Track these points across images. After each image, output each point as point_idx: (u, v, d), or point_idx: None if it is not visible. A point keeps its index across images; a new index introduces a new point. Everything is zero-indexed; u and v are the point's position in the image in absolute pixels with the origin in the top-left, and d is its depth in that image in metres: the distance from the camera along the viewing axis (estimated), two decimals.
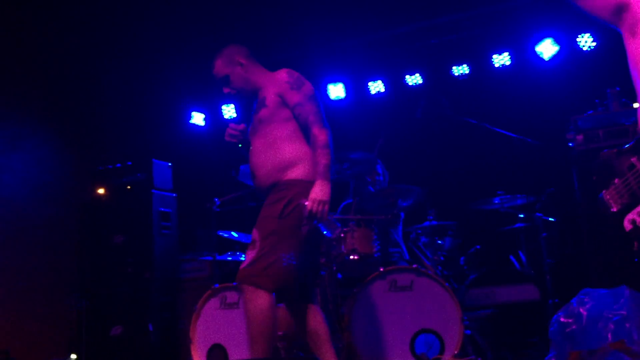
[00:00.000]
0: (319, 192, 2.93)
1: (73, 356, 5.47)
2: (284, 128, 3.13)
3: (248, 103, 3.48)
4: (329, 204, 2.97)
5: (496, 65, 5.87)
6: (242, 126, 3.27)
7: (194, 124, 6.95)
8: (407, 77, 6.16)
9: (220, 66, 3.35)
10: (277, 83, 3.22)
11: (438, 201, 4.63)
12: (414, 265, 3.82)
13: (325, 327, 3.10)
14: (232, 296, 4.10)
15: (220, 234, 4.59)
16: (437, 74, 6.10)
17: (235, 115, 6.85)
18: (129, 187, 5.43)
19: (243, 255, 4.64)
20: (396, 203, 4.17)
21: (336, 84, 6.39)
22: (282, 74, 3.24)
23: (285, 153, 3.08)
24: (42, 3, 5.64)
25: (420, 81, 6.13)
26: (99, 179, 5.54)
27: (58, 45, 6.10)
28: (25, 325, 5.58)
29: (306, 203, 2.92)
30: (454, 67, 5.99)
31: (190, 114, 6.93)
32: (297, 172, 3.05)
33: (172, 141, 6.73)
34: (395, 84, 6.25)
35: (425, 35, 6.14)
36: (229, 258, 4.64)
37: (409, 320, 3.68)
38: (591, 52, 5.56)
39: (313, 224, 2.96)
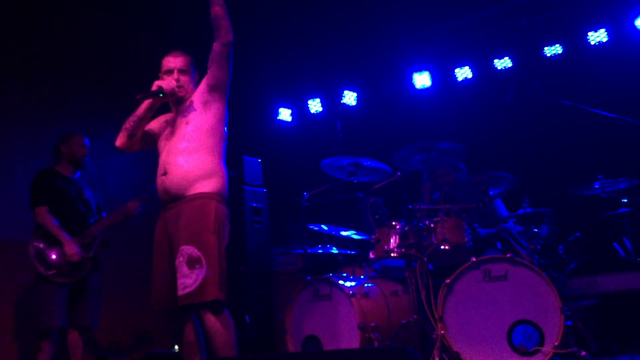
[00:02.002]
0: None
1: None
2: (212, 140, 3.24)
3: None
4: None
5: (592, 42, 5.57)
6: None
7: (281, 120, 7.08)
8: (496, 61, 5.98)
9: (185, 61, 3.40)
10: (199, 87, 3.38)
11: (532, 188, 4.47)
12: (508, 255, 3.70)
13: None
14: (323, 288, 4.14)
15: (310, 227, 4.65)
16: (527, 56, 5.88)
17: (321, 109, 6.91)
18: None
19: (334, 248, 4.70)
20: (487, 191, 4.05)
21: (422, 72, 6.30)
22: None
23: (207, 164, 3.18)
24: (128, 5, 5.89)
25: (510, 64, 5.93)
26: None
27: (149, 48, 6.38)
28: (132, 318, 5.90)
29: (226, 221, 3.16)
30: (545, 48, 5.75)
31: (278, 110, 7.06)
32: (215, 186, 3.16)
33: (261, 137, 6.90)
34: (483, 69, 6.09)
35: (513, 16, 5.93)
36: (320, 251, 4.69)
37: (505, 311, 3.57)
38: None
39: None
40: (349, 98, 6.71)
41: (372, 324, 3.95)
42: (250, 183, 5.59)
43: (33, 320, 4.11)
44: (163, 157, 3.26)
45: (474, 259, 3.72)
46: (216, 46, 3.23)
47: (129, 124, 3.35)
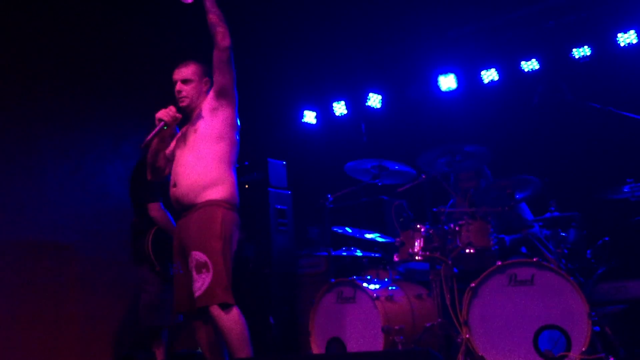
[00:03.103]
0: None
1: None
2: (218, 148, 3.29)
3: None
4: None
5: (621, 44, 5.48)
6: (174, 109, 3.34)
7: (306, 123, 7.10)
8: (523, 63, 5.92)
9: (192, 70, 3.44)
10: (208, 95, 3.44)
11: (559, 192, 4.41)
12: (535, 259, 3.66)
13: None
14: (347, 291, 4.15)
15: (335, 229, 4.65)
16: (555, 58, 5.80)
17: (346, 111, 6.91)
18: (246, 186, 5.65)
19: (358, 250, 4.69)
20: (513, 194, 4.01)
21: (447, 75, 6.27)
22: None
23: (214, 172, 3.24)
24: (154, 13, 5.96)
25: (537, 66, 5.86)
26: None
27: (175, 52, 6.46)
28: None
29: (234, 227, 3.24)
30: (574, 50, 5.67)
31: (303, 113, 7.09)
32: (223, 193, 3.23)
33: (286, 140, 6.93)
34: (509, 71, 6.03)
35: (541, 18, 5.86)
36: (344, 253, 4.69)
37: (531, 316, 3.53)
38: None
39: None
40: (374, 101, 6.71)
41: (396, 327, 3.94)
42: (275, 185, 5.61)
43: (142, 317, 4.18)
44: (174, 168, 3.36)
45: (500, 263, 3.69)
46: (215, 53, 3.27)
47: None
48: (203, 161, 3.25)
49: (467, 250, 3.87)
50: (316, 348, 4.16)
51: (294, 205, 5.74)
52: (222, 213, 3.20)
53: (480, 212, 3.98)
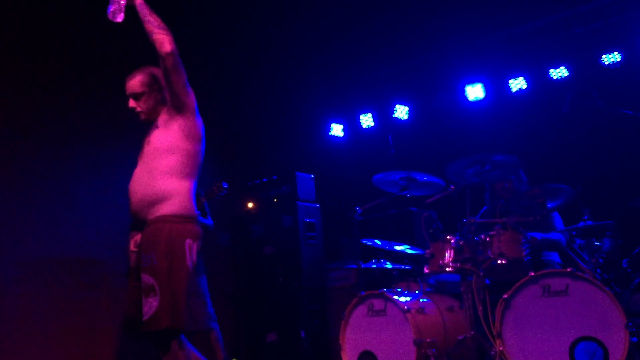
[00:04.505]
0: None
1: None
2: (167, 160, 3.08)
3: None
4: None
5: None
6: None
7: (333, 135, 7.12)
8: (552, 70, 5.85)
9: (138, 82, 3.24)
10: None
11: (592, 200, 4.33)
12: (569, 269, 3.60)
13: None
14: (378, 304, 4.13)
15: (364, 242, 4.64)
16: (584, 65, 5.73)
17: (373, 124, 6.92)
18: (275, 200, 5.68)
19: (388, 263, 4.67)
20: (544, 203, 3.95)
21: (474, 84, 6.23)
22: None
23: (160, 186, 3.03)
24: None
25: (566, 74, 5.79)
26: (248, 194, 5.87)
27: (205, 73, 6.55)
28: None
29: (187, 240, 2.98)
30: (603, 56, 5.59)
31: (330, 126, 7.11)
32: (169, 207, 3.01)
33: (314, 153, 6.95)
34: (538, 79, 5.97)
35: (569, 25, 5.80)
36: (374, 266, 4.67)
37: (566, 327, 3.47)
38: None
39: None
40: (401, 112, 6.70)
41: (428, 340, 3.90)
42: (304, 199, 5.64)
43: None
44: (130, 183, 3.17)
45: (532, 274, 3.63)
46: (160, 63, 3.08)
47: None
48: (151, 175, 3.06)
49: (499, 261, 3.82)
50: None
51: (323, 219, 5.74)
52: (168, 229, 2.97)
53: (512, 222, 3.93)
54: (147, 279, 2.91)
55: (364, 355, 4.08)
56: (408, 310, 3.96)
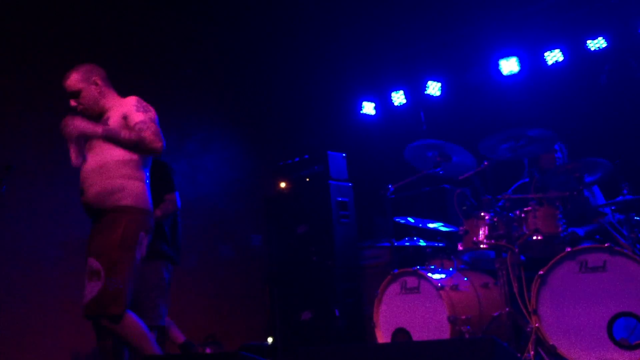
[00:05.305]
0: None
1: (270, 339, 5.88)
2: (120, 151, 3.12)
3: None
4: None
5: None
6: None
7: (365, 114, 7.08)
8: (589, 41, 5.67)
9: (74, 80, 3.27)
10: (125, 106, 3.22)
11: (632, 174, 4.21)
12: (607, 244, 3.52)
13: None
14: (412, 281, 4.11)
15: (397, 220, 4.62)
16: (623, 35, 5.54)
17: (404, 101, 6.85)
18: (307, 179, 5.69)
19: (421, 240, 4.64)
20: (582, 178, 3.86)
21: (509, 58, 6.10)
22: (132, 99, 3.25)
23: (117, 177, 3.09)
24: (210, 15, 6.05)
25: (604, 44, 5.61)
26: (280, 174, 5.88)
27: (236, 54, 6.57)
28: (225, 311, 6.11)
29: (140, 233, 3.05)
30: None
31: (361, 104, 7.06)
32: (128, 199, 3.08)
33: (346, 132, 6.93)
34: (575, 51, 5.80)
35: None
36: (407, 243, 4.65)
37: (603, 304, 3.40)
38: None
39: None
40: (433, 88, 6.60)
41: (463, 317, 3.88)
42: (336, 178, 5.62)
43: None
44: (81, 174, 3.21)
45: (569, 249, 3.56)
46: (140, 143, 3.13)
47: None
48: (106, 166, 3.12)
49: (535, 237, 3.76)
50: (382, 339, 4.15)
51: (355, 197, 5.73)
52: (125, 220, 3.06)
53: (547, 197, 3.85)
54: (93, 263, 3.01)
55: (398, 332, 4.09)
56: (442, 288, 3.94)
